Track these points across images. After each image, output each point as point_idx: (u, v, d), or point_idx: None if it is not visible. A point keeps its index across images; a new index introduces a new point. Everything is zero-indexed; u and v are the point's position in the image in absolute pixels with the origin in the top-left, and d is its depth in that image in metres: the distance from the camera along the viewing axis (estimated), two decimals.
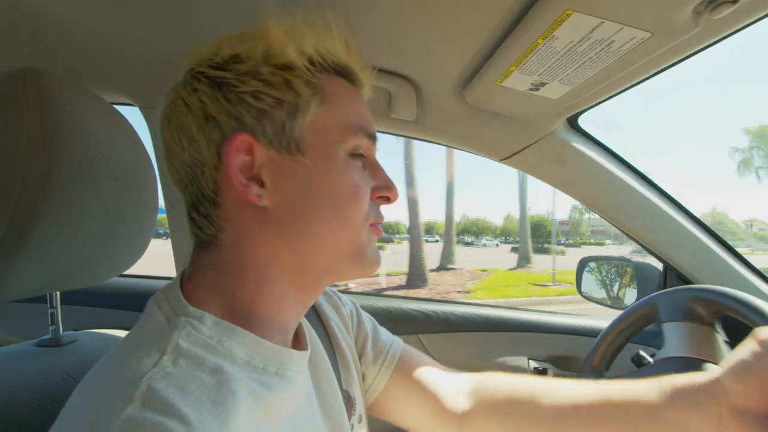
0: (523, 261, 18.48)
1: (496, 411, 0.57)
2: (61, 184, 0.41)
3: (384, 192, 0.47)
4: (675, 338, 0.73)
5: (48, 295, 0.61)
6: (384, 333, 0.66)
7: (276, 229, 0.42)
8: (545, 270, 16.52)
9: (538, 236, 38.31)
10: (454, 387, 0.62)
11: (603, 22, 0.51)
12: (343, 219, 0.43)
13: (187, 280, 0.44)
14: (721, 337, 0.72)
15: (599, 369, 0.83)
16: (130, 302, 1.12)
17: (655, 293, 0.83)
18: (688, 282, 1.10)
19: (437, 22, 0.62)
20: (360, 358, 0.62)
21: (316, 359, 0.53)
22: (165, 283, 0.46)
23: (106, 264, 0.53)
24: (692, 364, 0.69)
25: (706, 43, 0.56)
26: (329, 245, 0.43)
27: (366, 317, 0.67)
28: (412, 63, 0.75)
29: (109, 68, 0.80)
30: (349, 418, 0.54)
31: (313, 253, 0.43)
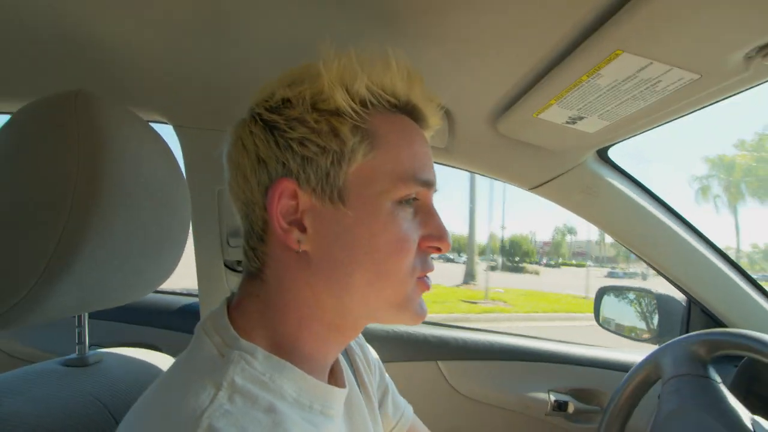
0: (468, 278, 18.74)
1: None
2: (106, 209, 0.41)
3: (435, 242, 0.45)
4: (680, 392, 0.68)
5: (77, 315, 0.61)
6: (399, 395, 0.69)
7: (316, 274, 0.42)
8: (509, 288, 16.87)
9: (516, 254, 38.20)
10: None
11: (652, 63, 0.51)
12: (383, 272, 0.42)
13: (234, 308, 0.44)
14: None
15: None
16: (150, 318, 1.12)
17: (655, 351, 0.77)
18: (712, 316, 1.08)
19: (479, 53, 0.62)
20: (380, 406, 0.63)
21: (350, 395, 0.53)
22: (184, 299, 0.46)
23: (138, 284, 0.53)
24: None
25: (753, 84, 0.56)
26: (369, 296, 0.43)
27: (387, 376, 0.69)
28: (447, 92, 0.75)
29: (146, 87, 0.81)
30: None
31: (352, 301, 0.43)
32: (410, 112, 0.46)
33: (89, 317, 0.63)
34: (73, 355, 0.61)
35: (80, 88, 0.43)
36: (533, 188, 0.98)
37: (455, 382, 1.15)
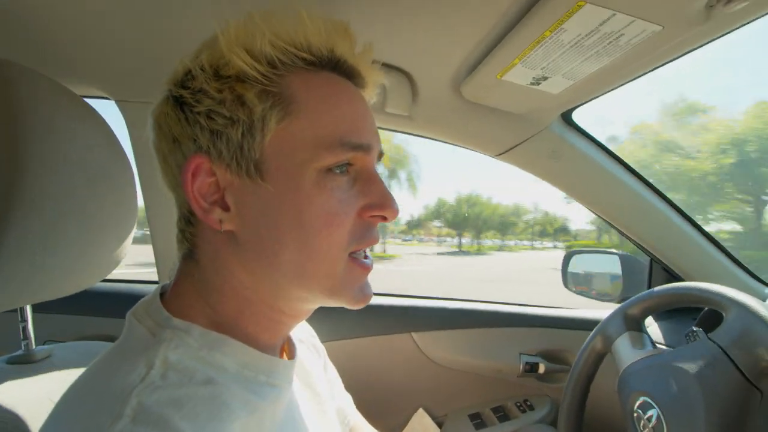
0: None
1: None
2: (30, 187, 0.37)
3: (377, 211, 0.41)
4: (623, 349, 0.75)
5: (19, 308, 0.56)
6: (342, 387, 0.67)
7: (245, 254, 0.39)
8: None
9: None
10: None
11: (615, 14, 0.50)
12: (312, 249, 0.38)
13: (171, 290, 0.42)
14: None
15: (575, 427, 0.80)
16: (109, 308, 1.06)
17: (602, 321, 0.82)
18: (672, 273, 1.12)
19: (438, 13, 0.59)
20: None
21: (301, 370, 0.54)
22: (149, 286, 0.43)
23: (82, 273, 0.48)
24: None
25: (714, 37, 0.56)
26: (301, 278, 0.39)
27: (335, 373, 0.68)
28: (409, 55, 0.72)
29: (81, 60, 0.74)
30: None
31: (285, 283, 0.40)
32: (338, 68, 0.41)
33: (39, 311, 0.59)
34: (19, 352, 0.56)
35: None
36: (499, 155, 0.97)
37: (429, 351, 1.16)
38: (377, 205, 0.41)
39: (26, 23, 0.63)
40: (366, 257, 0.42)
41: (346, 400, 0.66)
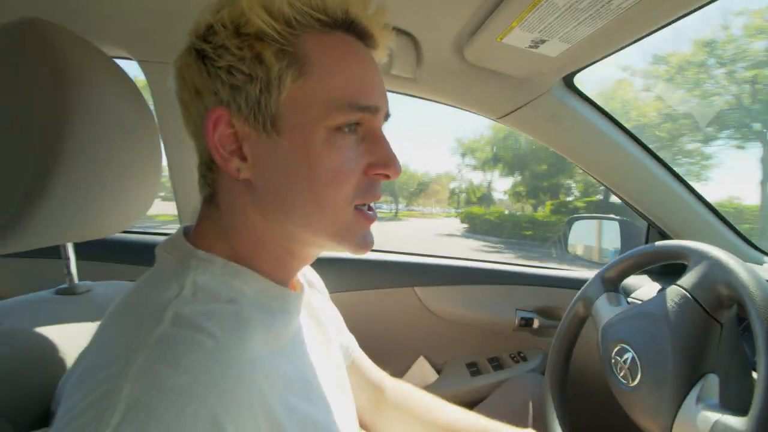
0: None
1: (403, 415, 0.71)
2: (73, 136, 0.42)
3: (381, 169, 0.44)
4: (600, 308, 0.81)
5: (61, 247, 0.64)
6: (346, 329, 0.73)
7: (261, 201, 0.43)
8: None
9: None
10: (379, 383, 0.74)
11: None
12: (321, 201, 0.41)
13: (193, 230, 0.47)
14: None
15: (559, 390, 0.86)
16: (139, 256, 1.15)
17: (583, 287, 0.88)
18: (668, 237, 1.16)
19: None
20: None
21: (309, 306, 0.59)
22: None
23: (116, 216, 0.55)
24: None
25: (701, 3, 0.58)
26: (310, 224, 0.43)
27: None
28: (413, 18, 0.75)
29: (106, 20, 0.78)
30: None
31: (296, 228, 0.44)
32: (351, 29, 0.43)
33: (82, 258, 0.66)
34: (64, 285, 0.64)
35: (32, 17, 0.43)
36: (501, 117, 1.00)
37: (431, 305, 1.24)
38: (381, 164, 0.43)
39: None
40: (370, 209, 0.46)
41: (349, 339, 0.73)
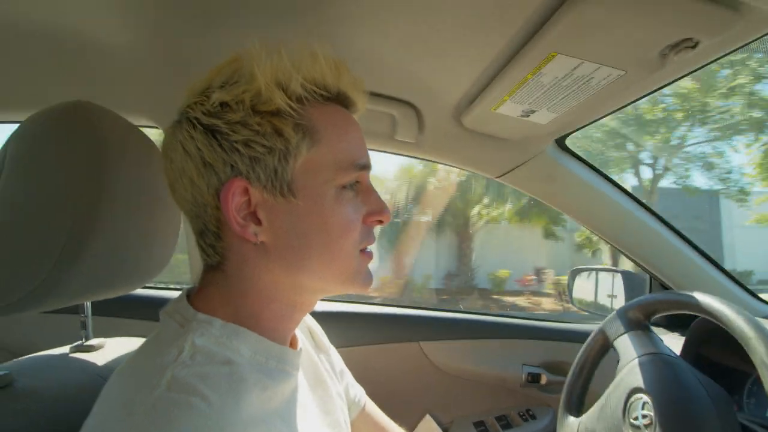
0: None
1: None
2: (107, 206, 0.47)
3: (377, 216, 0.50)
4: (624, 347, 0.76)
5: (81, 304, 0.67)
6: (354, 381, 0.74)
7: (274, 260, 0.46)
8: None
9: None
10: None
11: (583, 62, 0.59)
12: (335, 251, 0.46)
13: (195, 294, 0.49)
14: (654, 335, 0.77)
15: (572, 412, 0.82)
16: (152, 312, 1.16)
17: (603, 322, 0.84)
18: (670, 289, 1.18)
19: (439, 56, 0.69)
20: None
21: (307, 361, 0.61)
22: (179, 292, 0.52)
23: (135, 275, 0.59)
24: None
25: (673, 79, 0.65)
26: (323, 273, 0.47)
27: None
28: (415, 91, 0.83)
29: (135, 93, 0.87)
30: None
31: (308, 280, 0.48)
32: (341, 100, 0.49)
33: (96, 314, 0.69)
34: (79, 342, 0.66)
35: (78, 99, 0.49)
36: (499, 177, 1.06)
37: (436, 360, 1.23)
38: (377, 212, 0.50)
39: (88, 60, 0.76)
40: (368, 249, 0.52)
41: (356, 389, 0.73)
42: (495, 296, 11.38)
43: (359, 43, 0.68)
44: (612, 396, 0.70)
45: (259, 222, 0.45)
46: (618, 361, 0.74)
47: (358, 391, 0.73)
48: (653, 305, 0.76)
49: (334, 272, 0.48)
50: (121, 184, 0.50)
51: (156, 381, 0.37)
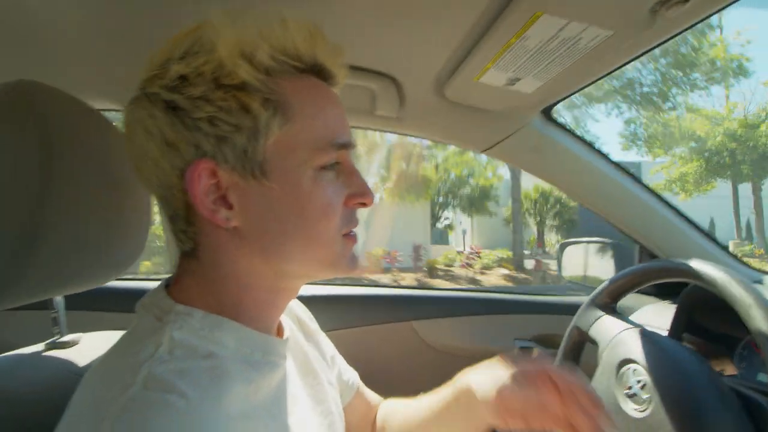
0: None
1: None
2: (59, 193, 0.43)
3: (359, 198, 0.47)
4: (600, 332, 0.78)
5: (49, 300, 0.63)
6: (346, 364, 0.72)
7: (250, 245, 0.43)
8: None
9: None
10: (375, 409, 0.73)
11: (569, 22, 0.56)
12: (314, 237, 0.44)
13: (173, 284, 0.46)
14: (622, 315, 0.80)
15: None
16: (129, 304, 1.13)
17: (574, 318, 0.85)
18: (658, 257, 1.17)
19: (416, 23, 0.65)
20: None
21: (296, 349, 0.58)
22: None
23: (104, 267, 0.55)
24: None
25: (664, 38, 0.61)
26: (303, 260, 0.45)
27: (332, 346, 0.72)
28: (394, 62, 0.78)
29: (94, 75, 0.81)
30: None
31: (288, 267, 0.45)
32: (317, 71, 0.45)
33: (71, 308, 0.66)
34: (52, 339, 0.63)
35: (21, 78, 0.44)
36: (485, 150, 1.03)
37: (429, 339, 1.22)
38: (359, 194, 0.46)
39: (43, 43, 0.70)
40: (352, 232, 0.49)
41: (350, 373, 0.71)
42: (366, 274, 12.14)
43: (332, 12, 0.63)
44: (600, 378, 0.71)
45: (230, 206, 0.42)
46: (598, 347, 0.76)
47: (351, 375, 0.71)
48: (618, 286, 0.79)
49: (316, 258, 0.45)
50: (76, 169, 0.46)
51: (130, 379, 0.34)
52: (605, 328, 0.76)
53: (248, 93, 0.39)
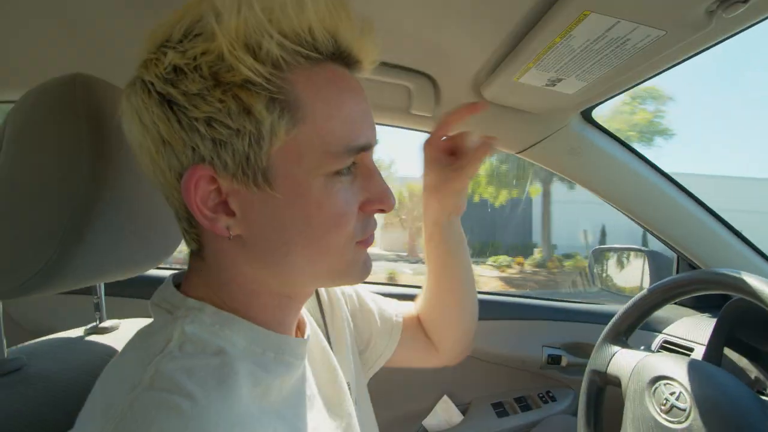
0: None
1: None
2: (111, 183, 0.45)
3: (377, 204, 0.42)
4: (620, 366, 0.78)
5: (94, 286, 0.66)
6: (389, 307, 0.71)
7: (253, 254, 0.40)
8: None
9: None
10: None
11: (619, 21, 0.54)
12: (322, 248, 0.40)
13: (183, 282, 0.44)
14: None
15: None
16: None
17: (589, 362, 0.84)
18: (697, 268, 1.12)
19: (458, 21, 0.64)
20: (368, 336, 0.67)
21: (316, 347, 0.55)
22: None
23: (146, 257, 0.57)
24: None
25: (717, 40, 0.59)
26: (310, 270, 0.41)
27: (368, 296, 0.71)
28: (432, 60, 0.78)
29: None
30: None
31: (294, 276, 0.42)
32: (338, 57, 0.39)
33: (111, 295, 0.68)
34: (93, 324, 0.66)
35: (77, 72, 0.46)
36: (520, 152, 1.01)
37: None
38: (377, 200, 0.42)
39: (96, 37, 0.73)
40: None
41: (388, 310, 0.70)
42: None
43: (369, 8, 0.63)
44: (632, 406, 0.70)
45: (232, 213, 0.38)
46: (620, 385, 0.75)
47: (391, 311, 0.71)
48: (626, 318, 0.80)
49: (323, 268, 0.41)
50: (124, 163, 0.47)
51: (138, 377, 0.33)
52: (624, 360, 0.76)
53: (251, 92, 0.34)
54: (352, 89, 0.39)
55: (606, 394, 0.81)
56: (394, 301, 0.74)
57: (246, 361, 0.38)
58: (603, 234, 12.47)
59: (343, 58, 0.39)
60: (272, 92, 0.34)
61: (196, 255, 0.43)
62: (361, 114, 0.40)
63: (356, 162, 0.40)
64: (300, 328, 0.51)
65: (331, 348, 0.59)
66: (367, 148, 0.40)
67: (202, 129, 0.34)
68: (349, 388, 0.57)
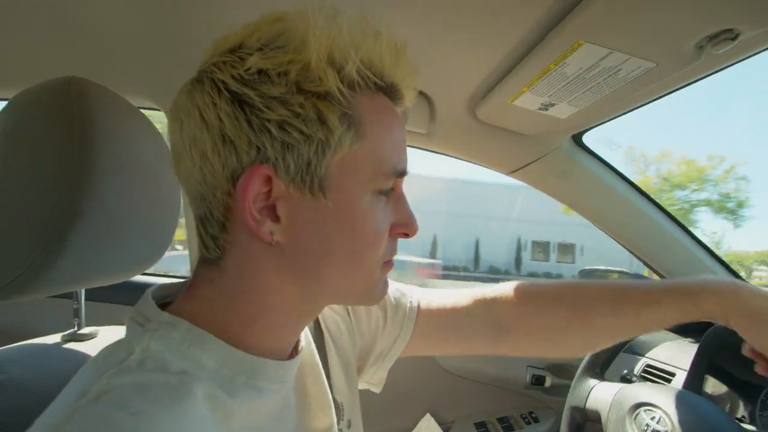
0: None
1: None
2: (97, 187, 0.44)
3: (404, 228, 0.44)
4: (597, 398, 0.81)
5: (74, 291, 0.64)
6: (402, 295, 0.65)
7: (286, 264, 0.40)
8: None
9: None
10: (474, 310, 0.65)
11: (612, 52, 0.55)
12: (359, 263, 0.41)
13: (186, 291, 0.43)
14: None
15: None
16: None
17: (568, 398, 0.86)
18: None
19: (457, 42, 0.65)
20: (373, 340, 0.63)
21: (307, 368, 0.52)
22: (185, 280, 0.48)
23: (131, 262, 0.56)
24: None
25: (707, 73, 0.60)
26: (339, 285, 0.42)
27: None
28: (429, 79, 0.79)
29: (137, 73, 0.83)
30: (338, 424, 0.53)
31: (321, 290, 0.42)
32: (390, 92, 0.42)
33: (92, 299, 0.66)
34: (71, 330, 0.64)
35: (73, 75, 0.46)
36: (512, 172, 1.02)
37: (440, 359, 1.21)
38: (404, 224, 0.44)
39: (92, 39, 0.73)
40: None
41: (405, 297, 0.64)
42: None
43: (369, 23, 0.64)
44: None
45: (277, 218, 0.38)
46: (600, 419, 0.77)
47: (407, 297, 0.64)
48: (602, 351, 0.86)
49: (353, 285, 0.43)
50: (114, 165, 0.46)
51: (87, 388, 0.32)
52: (603, 393, 0.78)
53: (329, 104, 0.36)
54: (397, 117, 0.43)
55: (586, 429, 0.82)
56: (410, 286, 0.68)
57: (208, 384, 0.36)
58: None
59: (393, 92, 0.43)
60: (345, 107, 0.37)
61: (211, 264, 0.41)
62: (404, 142, 0.44)
63: (394, 188, 0.43)
64: (294, 348, 0.49)
65: (326, 367, 0.56)
66: (405, 173, 0.43)
67: (274, 130, 0.36)
68: (342, 409, 0.56)
